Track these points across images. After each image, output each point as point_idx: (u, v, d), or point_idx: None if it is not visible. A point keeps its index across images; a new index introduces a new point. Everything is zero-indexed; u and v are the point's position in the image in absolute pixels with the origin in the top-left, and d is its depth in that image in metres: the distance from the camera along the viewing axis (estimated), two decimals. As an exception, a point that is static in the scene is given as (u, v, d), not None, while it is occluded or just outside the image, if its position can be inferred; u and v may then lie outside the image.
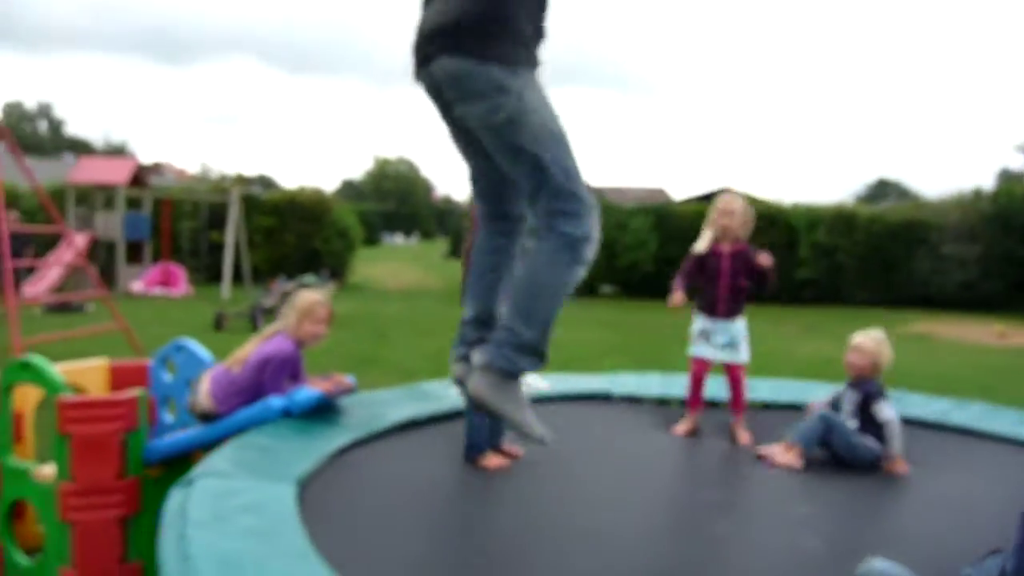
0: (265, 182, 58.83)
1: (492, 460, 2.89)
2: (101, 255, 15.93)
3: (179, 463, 2.96)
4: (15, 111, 73.28)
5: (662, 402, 4.14)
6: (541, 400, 3.64)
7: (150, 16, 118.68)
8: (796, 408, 3.95)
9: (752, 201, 20.53)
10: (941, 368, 9.50)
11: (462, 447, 2.97)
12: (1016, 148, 71.69)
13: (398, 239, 59.40)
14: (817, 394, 3.96)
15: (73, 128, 76.72)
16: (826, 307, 17.15)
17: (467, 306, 2.52)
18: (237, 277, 15.77)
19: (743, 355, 3.75)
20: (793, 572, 2.14)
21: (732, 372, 3.75)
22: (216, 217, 17.32)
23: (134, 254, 16.36)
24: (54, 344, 7.79)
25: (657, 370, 4.99)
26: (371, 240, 39.56)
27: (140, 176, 16.79)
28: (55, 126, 75.18)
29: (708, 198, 26.52)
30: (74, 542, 2.82)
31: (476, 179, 2.47)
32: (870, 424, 3.33)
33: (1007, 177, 42.34)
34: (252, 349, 3.06)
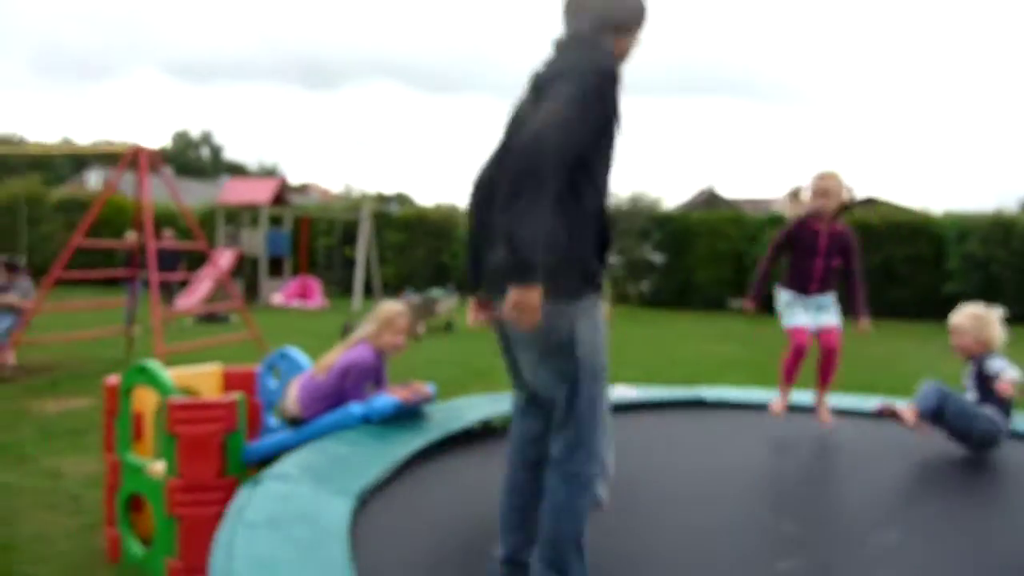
0: (402, 199, 61.21)
1: None
2: (247, 270, 17.07)
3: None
4: (182, 139, 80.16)
5: (752, 408, 3.96)
6: (627, 408, 3.56)
7: (301, 46, 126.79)
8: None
9: (896, 210, 19.30)
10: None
11: None
12: None
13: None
14: None
15: (231, 153, 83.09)
16: (980, 323, 15.80)
17: (500, 542, 2.28)
18: (369, 290, 16.46)
19: (837, 317, 3.59)
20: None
21: (828, 337, 3.58)
22: (350, 233, 18.18)
23: (275, 268, 17.44)
24: (199, 351, 8.42)
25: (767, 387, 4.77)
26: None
27: (282, 195, 17.89)
28: (215, 151, 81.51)
29: (848, 208, 25.31)
30: (180, 535, 3.02)
31: (522, 402, 2.34)
32: (990, 398, 3.11)
33: None
34: (337, 356, 3.17)
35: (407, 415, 3.03)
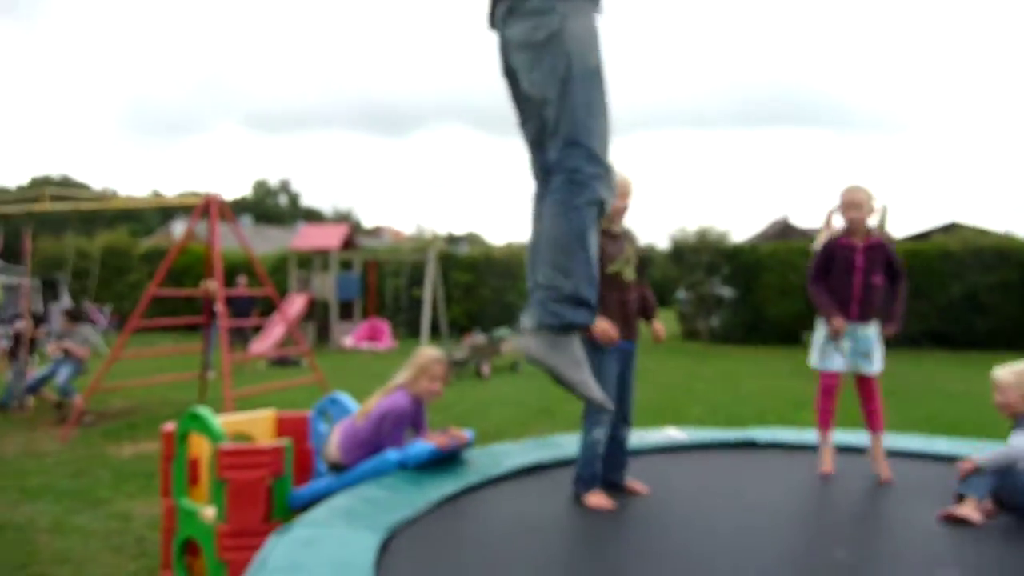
0: (473, 239, 62.04)
1: (598, 499, 2.80)
2: (318, 313, 17.53)
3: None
4: (261, 187, 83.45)
5: (806, 449, 3.80)
6: (677, 449, 3.48)
7: (372, 95, 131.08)
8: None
9: (979, 234, 18.46)
10: None
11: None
12: None
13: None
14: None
15: (307, 199, 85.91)
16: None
17: (530, 273, 2.36)
18: (436, 331, 16.66)
19: (876, 364, 3.37)
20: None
21: (865, 385, 3.38)
22: (418, 275, 18.50)
23: (346, 312, 17.84)
24: (267, 394, 8.66)
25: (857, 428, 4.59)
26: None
27: (351, 240, 18.37)
28: (293, 199, 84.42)
29: (926, 236, 24.39)
30: (229, 580, 3.08)
31: (523, 123, 2.39)
32: None
33: None
34: (375, 403, 3.21)
35: (445, 460, 3.04)
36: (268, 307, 16.80)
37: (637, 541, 2.61)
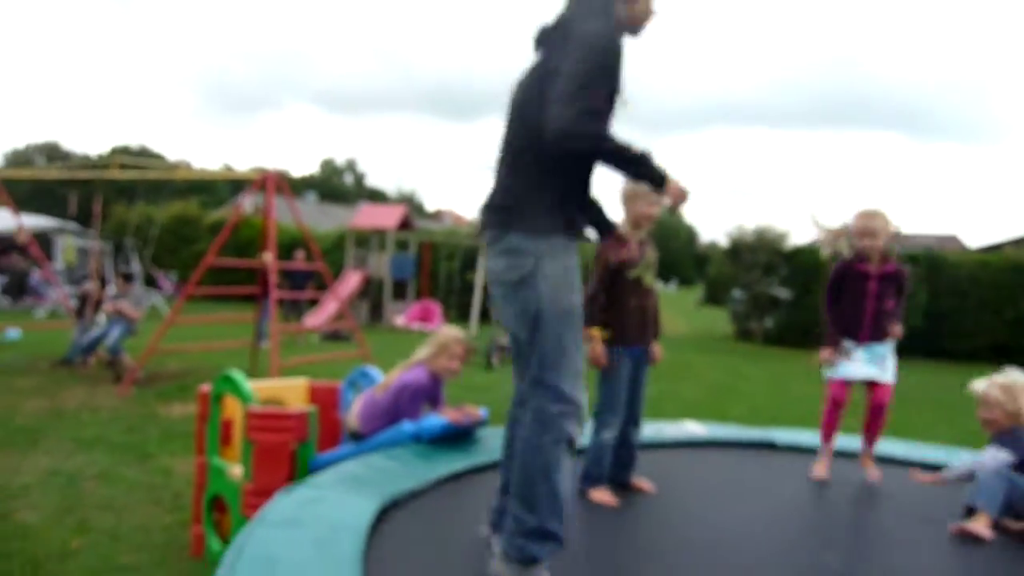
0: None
1: (601, 495, 2.84)
2: (373, 291, 17.86)
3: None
4: (328, 166, 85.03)
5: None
6: (694, 444, 3.49)
7: (441, 79, 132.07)
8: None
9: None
10: None
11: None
12: None
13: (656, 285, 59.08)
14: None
15: (372, 180, 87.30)
16: None
17: (501, 472, 2.48)
18: (486, 316, 16.79)
19: (889, 373, 3.32)
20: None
21: (877, 393, 3.33)
22: (473, 259, 18.66)
23: (399, 291, 18.13)
24: (313, 365, 8.92)
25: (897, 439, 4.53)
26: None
27: (408, 221, 18.64)
28: (358, 178, 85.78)
29: (997, 248, 23.44)
30: (251, 536, 3.23)
31: (512, 343, 2.43)
32: None
33: None
34: (396, 376, 3.31)
35: (460, 437, 3.12)
36: (325, 282, 17.27)
37: (632, 535, 2.64)
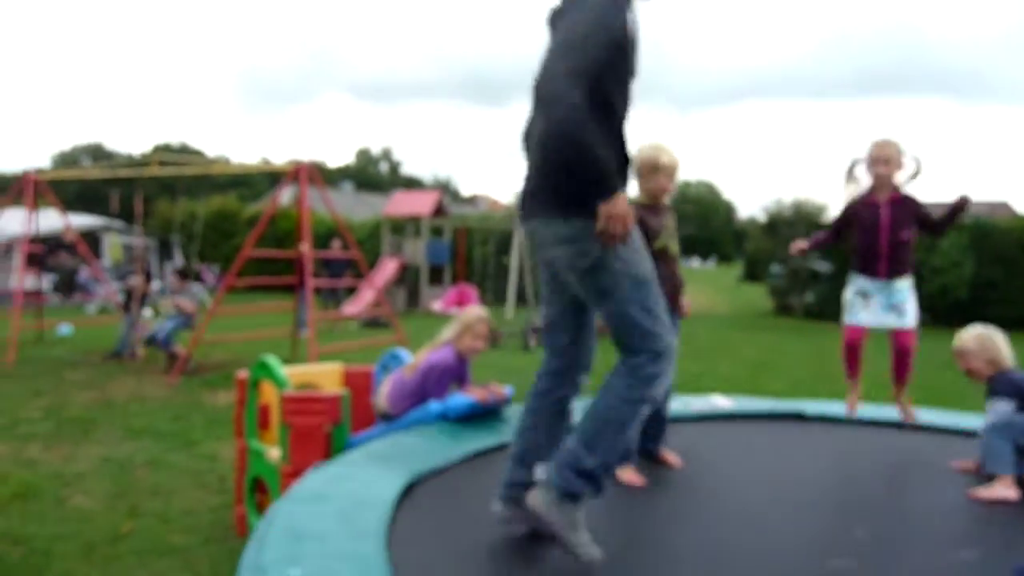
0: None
1: (629, 475, 2.87)
2: (409, 278, 18.05)
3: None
4: (364, 155, 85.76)
5: (855, 423, 3.75)
6: (721, 418, 3.50)
7: (472, 64, 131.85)
8: None
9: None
10: None
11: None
12: None
13: (694, 263, 58.64)
14: None
15: (408, 168, 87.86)
16: None
17: (516, 444, 2.46)
18: (522, 298, 16.87)
19: (911, 318, 3.27)
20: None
21: (899, 339, 3.30)
22: (507, 243, 18.73)
23: (435, 277, 18.30)
24: (351, 351, 9.09)
25: (946, 407, 4.49)
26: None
27: (442, 207, 18.76)
28: (393, 167, 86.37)
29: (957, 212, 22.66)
30: (290, 516, 3.35)
31: (555, 320, 2.45)
32: None
33: None
34: (423, 357, 3.39)
35: (488, 415, 3.19)
36: (361, 270, 17.50)
37: (657, 510, 2.67)
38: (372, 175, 79.24)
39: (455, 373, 3.34)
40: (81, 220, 18.80)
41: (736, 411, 3.70)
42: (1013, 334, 3.42)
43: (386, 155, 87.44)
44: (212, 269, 21.29)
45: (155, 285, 11.65)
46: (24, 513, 4.09)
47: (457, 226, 19.35)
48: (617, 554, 2.19)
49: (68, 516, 4.06)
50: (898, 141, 3.43)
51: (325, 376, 4.19)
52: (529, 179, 2.32)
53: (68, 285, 17.59)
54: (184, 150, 57.93)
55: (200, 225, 19.51)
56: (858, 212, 3.43)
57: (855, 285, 3.45)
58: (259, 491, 3.77)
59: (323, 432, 3.34)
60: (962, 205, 3.30)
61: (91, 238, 18.48)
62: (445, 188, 72.17)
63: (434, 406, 3.11)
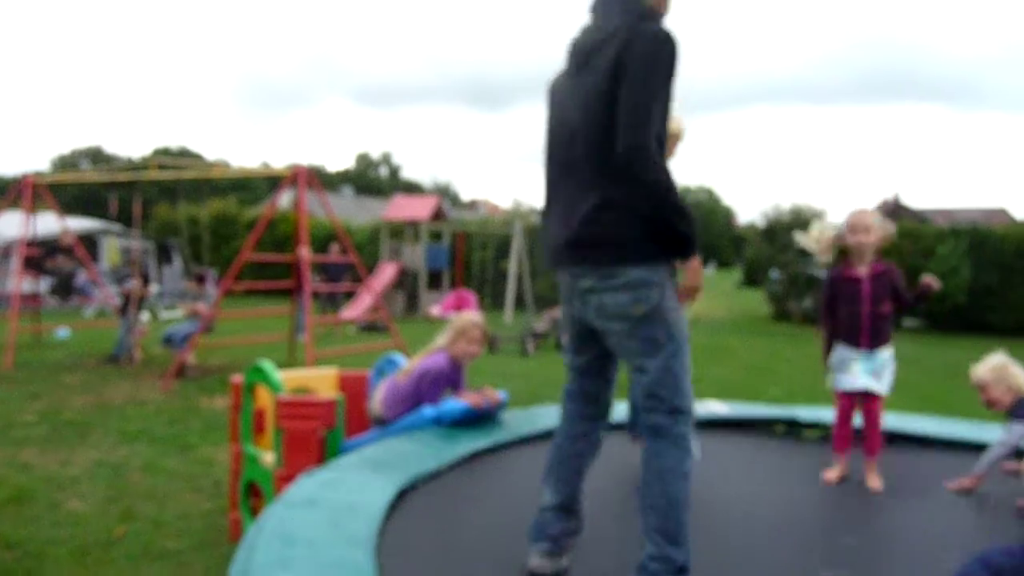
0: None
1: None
2: (408, 282, 18.03)
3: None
4: (364, 160, 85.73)
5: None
6: (716, 424, 3.49)
7: (470, 68, 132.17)
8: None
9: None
10: None
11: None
12: None
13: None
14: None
15: (407, 172, 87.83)
16: None
17: (549, 492, 2.36)
18: (521, 303, 16.85)
19: (884, 386, 3.31)
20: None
21: (868, 404, 3.32)
22: (506, 247, 18.72)
23: (434, 282, 18.28)
24: (348, 356, 9.08)
25: (944, 415, 4.49)
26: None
27: (441, 212, 18.76)
28: (393, 171, 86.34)
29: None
30: (284, 520, 3.34)
31: (581, 365, 2.41)
32: None
33: None
34: (417, 362, 3.38)
35: (480, 419, 3.18)
36: (359, 274, 17.49)
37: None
38: (372, 179, 79.26)
39: (449, 378, 3.34)
40: (79, 223, 18.79)
41: (732, 417, 3.69)
42: (1010, 340, 3.41)
43: (386, 159, 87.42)
44: (211, 273, 21.27)
45: (153, 288, 11.64)
46: (18, 517, 4.08)
47: (456, 231, 19.34)
48: (608, 559, 2.18)
49: (62, 520, 4.05)
50: (874, 211, 3.50)
51: (320, 381, 4.18)
52: (584, 227, 2.17)
53: (65, 288, 17.58)
54: (184, 154, 57.95)
55: (207, 228, 19.51)
56: (838, 286, 3.48)
57: (839, 354, 3.49)
58: (253, 496, 3.76)
59: (317, 436, 3.33)
60: (927, 289, 3.38)
61: (89, 241, 18.46)
62: (445, 193, 72.25)
63: (428, 411, 3.11)
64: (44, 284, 16.15)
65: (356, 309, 15.48)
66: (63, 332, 12.01)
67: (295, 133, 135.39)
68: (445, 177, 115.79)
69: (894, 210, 32.60)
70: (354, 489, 2.31)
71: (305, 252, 8.45)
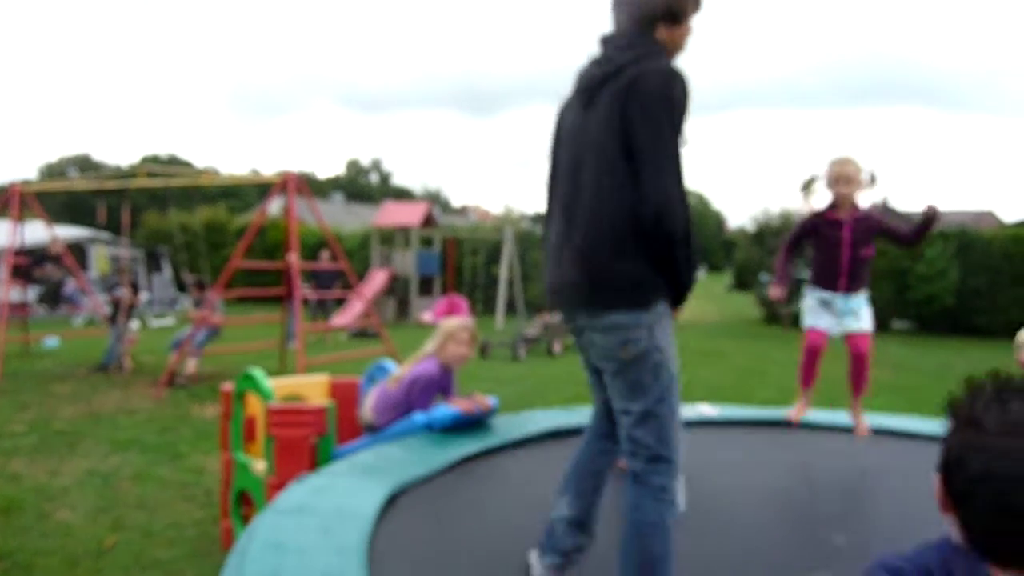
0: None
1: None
2: (399, 288, 18.02)
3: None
4: (354, 166, 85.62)
5: (837, 431, 3.77)
6: (706, 425, 3.51)
7: (460, 74, 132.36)
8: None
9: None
10: None
11: None
12: None
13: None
14: None
15: (398, 178, 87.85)
16: None
17: (564, 503, 2.29)
18: (513, 309, 16.87)
19: (867, 323, 3.31)
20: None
21: (855, 342, 3.33)
22: (497, 253, 18.74)
23: (425, 287, 18.28)
24: (339, 363, 9.06)
25: (934, 416, 4.52)
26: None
27: (431, 218, 18.76)
28: (384, 177, 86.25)
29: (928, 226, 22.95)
30: (276, 528, 3.33)
31: (597, 400, 2.38)
32: None
33: None
34: (407, 369, 3.39)
35: (471, 425, 3.19)
36: (350, 281, 17.46)
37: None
38: (362, 186, 79.13)
39: (439, 384, 3.34)
40: (67, 232, 18.69)
41: (721, 419, 3.71)
42: (997, 342, 3.44)
43: (376, 166, 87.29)
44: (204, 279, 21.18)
45: (143, 297, 11.59)
46: (7, 528, 4.05)
47: (447, 237, 19.35)
48: (598, 562, 2.19)
49: (51, 531, 4.02)
50: (855, 158, 3.47)
51: (311, 388, 4.18)
52: (576, 268, 2.10)
53: (54, 297, 17.46)
54: (173, 161, 57.73)
55: (199, 236, 19.45)
56: (820, 228, 3.48)
57: (814, 296, 3.49)
58: (245, 504, 3.75)
59: (308, 444, 3.33)
60: (931, 215, 3.33)
61: (77, 250, 18.37)
62: (435, 199, 72.23)
63: (418, 417, 3.11)
64: (32, 293, 16.05)
65: (347, 316, 15.46)
66: (52, 341, 11.94)
67: (285, 140, 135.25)
68: (435, 183, 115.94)
69: (883, 213, 32.84)
70: (345, 496, 2.31)
71: (295, 259, 8.44)
